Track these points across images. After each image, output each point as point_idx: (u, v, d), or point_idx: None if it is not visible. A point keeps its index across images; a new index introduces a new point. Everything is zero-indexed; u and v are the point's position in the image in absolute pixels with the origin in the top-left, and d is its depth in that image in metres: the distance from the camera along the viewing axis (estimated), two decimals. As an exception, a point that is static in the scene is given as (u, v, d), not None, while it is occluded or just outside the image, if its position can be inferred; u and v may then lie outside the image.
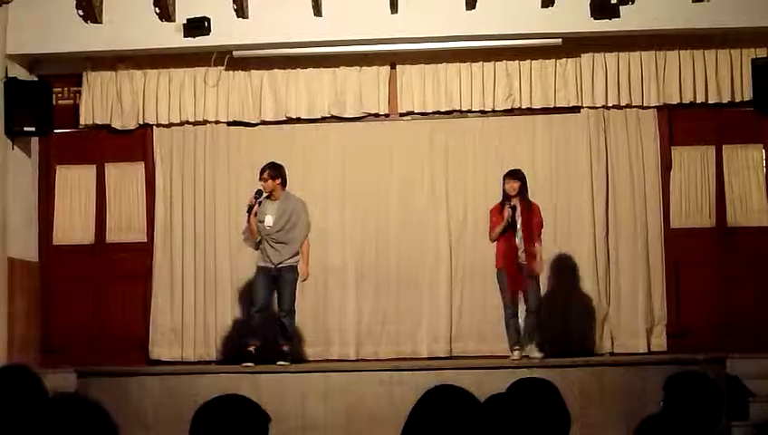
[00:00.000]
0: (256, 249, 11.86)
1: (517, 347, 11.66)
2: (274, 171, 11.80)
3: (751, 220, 13.27)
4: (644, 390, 9.95)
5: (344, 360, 12.98)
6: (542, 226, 11.76)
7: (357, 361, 12.91)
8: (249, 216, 11.76)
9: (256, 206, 11.72)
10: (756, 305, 12.81)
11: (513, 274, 11.62)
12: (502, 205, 11.68)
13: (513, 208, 11.55)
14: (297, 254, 11.84)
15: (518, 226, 11.58)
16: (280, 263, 11.73)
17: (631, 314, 13.11)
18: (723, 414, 4.54)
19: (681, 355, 11.61)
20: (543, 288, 12.20)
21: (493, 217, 11.73)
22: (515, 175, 11.76)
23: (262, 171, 11.81)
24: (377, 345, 13.19)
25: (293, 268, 11.79)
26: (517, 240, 11.61)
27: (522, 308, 11.70)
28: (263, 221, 11.74)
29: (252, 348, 11.65)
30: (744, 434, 10.05)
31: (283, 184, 11.87)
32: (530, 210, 11.65)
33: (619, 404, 10.24)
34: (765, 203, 13.24)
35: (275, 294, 11.83)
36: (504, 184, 11.73)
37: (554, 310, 12.88)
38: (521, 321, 11.68)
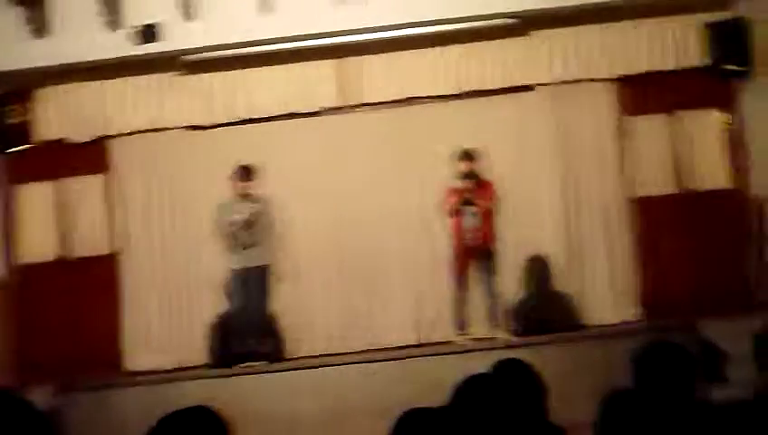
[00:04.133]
0: (240, 249, 11.89)
1: (460, 332, 11.82)
2: (246, 172, 11.96)
3: (713, 183, 13.34)
4: (618, 361, 10.00)
5: (322, 355, 12.97)
6: (491, 198, 11.86)
7: (333, 355, 12.91)
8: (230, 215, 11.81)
9: None
10: (724, 267, 12.88)
11: (460, 256, 11.79)
12: (456, 186, 11.82)
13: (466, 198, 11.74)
14: (268, 253, 11.90)
15: (470, 208, 11.73)
16: (253, 263, 11.77)
17: (602, 287, 13.17)
18: (694, 380, 4.50)
19: (652, 323, 11.70)
20: (510, 268, 12.26)
21: (448, 198, 11.89)
22: (469, 154, 11.88)
23: (246, 172, 11.85)
24: (351, 339, 13.17)
25: (267, 267, 11.84)
26: (468, 222, 11.75)
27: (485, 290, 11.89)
28: (234, 222, 11.78)
29: (250, 348, 11.71)
30: (725, 396, 10.11)
31: (253, 185, 11.97)
32: (484, 188, 11.80)
33: (595, 377, 10.29)
34: (726, 165, 13.32)
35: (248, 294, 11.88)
36: (461, 164, 11.86)
37: (528, 289, 12.96)
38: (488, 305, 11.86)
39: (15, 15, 12.56)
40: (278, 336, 12.88)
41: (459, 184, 11.88)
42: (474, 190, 11.80)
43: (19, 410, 3.99)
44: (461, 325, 11.90)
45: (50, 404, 10.50)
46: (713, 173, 13.37)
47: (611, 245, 13.25)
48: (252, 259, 11.81)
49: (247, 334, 11.85)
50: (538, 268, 13.11)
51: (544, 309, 12.97)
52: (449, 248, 12.23)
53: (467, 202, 11.77)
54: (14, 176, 13.76)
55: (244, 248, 11.80)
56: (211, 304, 13.15)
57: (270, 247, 12.00)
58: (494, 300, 11.88)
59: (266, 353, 11.80)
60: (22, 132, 13.55)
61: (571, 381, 10.02)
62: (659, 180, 13.41)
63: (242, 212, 11.83)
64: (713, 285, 12.79)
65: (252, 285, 11.82)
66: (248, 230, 11.82)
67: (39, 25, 12.48)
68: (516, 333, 12.09)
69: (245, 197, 11.93)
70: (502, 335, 11.76)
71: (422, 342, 13.07)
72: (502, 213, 12.25)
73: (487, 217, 11.85)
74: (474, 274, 12.06)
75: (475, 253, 11.87)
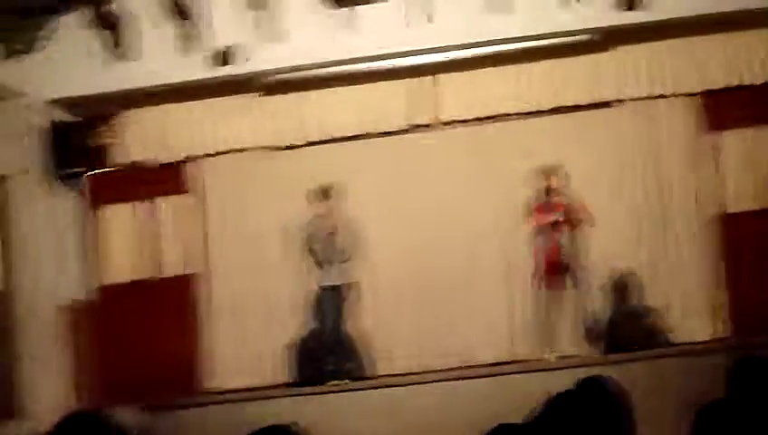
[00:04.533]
0: (320, 268, 11.92)
1: (548, 348, 11.75)
2: (326, 192, 11.93)
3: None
4: (707, 377, 9.88)
5: (406, 374, 12.96)
6: (585, 214, 11.80)
7: (418, 373, 12.89)
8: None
9: None
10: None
11: (550, 272, 11.71)
12: (545, 202, 11.75)
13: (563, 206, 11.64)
14: (350, 271, 11.94)
15: (564, 223, 11.65)
16: (336, 281, 11.82)
17: (687, 303, 13.02)
18: None
19: (740, 340, 11.54)
20: (594, 285, 12.17)
21: (537, 213, 11.82)
22: (554, 172, 11.81)
23: (324, 193, 11.93)
24: (436, 356, 13.13)
25: (349, 286, 11.91)
26: (559, 238, 11.68)
27: (572, 308, 11.80)
28: (319, 239, 11.85)
29: (331, 367, 11.73)
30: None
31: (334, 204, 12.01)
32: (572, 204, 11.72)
33: (684, 395, 10.17)
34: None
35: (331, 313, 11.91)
36: (546, 181, 11.79)
37: (614, 306, 12.85)
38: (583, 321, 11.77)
39: (99, 40, 12.71)
40: (360, 355, 12.88)
41: (547, 200, 11.77)
42: (566, 207, 11.72)
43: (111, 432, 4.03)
44: (548, 342, 11.81)
45: (137, 424, 10.59)
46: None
47: (698, 261, 13.09)
48: (335, 277, 11.85)
49: (330, 353, 11.87)
50: (624, 285, 12.99)
51: (631, 326, 12.85)
52: (535, 264, 12.14)
53: (564, 218, 11.69)
54: (97, 197, 13.94)
55: (329, 266, 11.83)
56: (289, 325, 13.20)
57: (352, 266, 12.01)
58: (581, 317, 11.77)
59: (348, 372, 11.81)
60: (105, 154, 13.73)
61: (657, 398, 9.91)
62: (747, 195, 13.22)
63: (326, 230, 11.87)
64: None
65: (335, 304, 11.86)
66: (332, 248, 11.84)
67: (121, 49, 12.62)
68: (603, 350, 11.98)
69: (326, 216, 11.94)
70: (589, 352, 11.67)
71: (507, 359, 13.01)
72: (586, 229, 12.12)
73: (577, 233, 11.77)
74: (561, 290, 11.96)
75: (565, 269, 11.77)
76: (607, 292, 12.95)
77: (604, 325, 12.72)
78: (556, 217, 11.72)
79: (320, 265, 11.92)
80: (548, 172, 11.85)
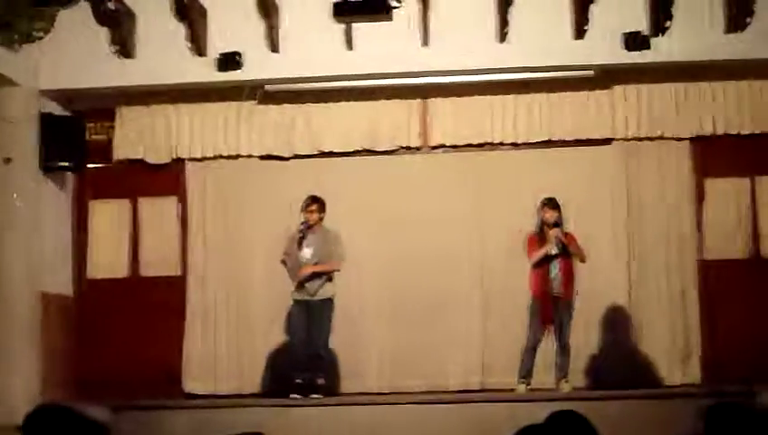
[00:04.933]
0: (295, 281, 11.90)
1: (523, 380, 11.73)
2: (321, 204, 11.89)
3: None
4: (678, 421, 9.88)
5: (376, 393, 12.96)
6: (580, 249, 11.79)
7: (389, 394, 12.89)
8: (298, 246, 11.80)
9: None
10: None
11: (547, 304, 11.68)
12: (538, 234, 11.73)
13: (559, 239, 11.63)
14: (331, 287, 11.91)
15: (557, 256, 11.63)
16: (319, 296, 11.79)
17: (665, 346, 13.04)
18: None
19: (714, 387, 11.56)
20: (576, 320, 12.14)
21: (530, 245, 11.78)
22: (554, 204, 11.80)
23: (310, 203, 11.87)
24: (408, 378, 13.13)
25: (330, 300, 11.85)
26: (553, 271, 11.67)
27: (551, 342, 11.75)
28: (300, 253, 11.81)
29: (299, 380, 11.70)
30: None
31: (322, 218, 11.96)
32: (566, 237, 11.71)
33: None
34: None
35: (309, 327, 11.87)
36: (542, 212, 11.78)
37: (588, 343, 12.87)
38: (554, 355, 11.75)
39: (103, 35, 12.71)
40: (334, 371, 12.86)
41: (541, 232, 11.76)
42: (561, 240, 11.71)
43: (81, 426, 4.02)
44: (527, 374, 11.79)
45: (104, 421, 10.53)
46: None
47: (679, 305, 13.12)
48: (315, 292, 11.82)
49: (304, 367, 11.84)
50: (611, 323, 13.02)
51: (615, 364, 12.89)
52: (518, 294, 12.12)
53: (560, 251, 11.68)
54: (91, 192, 13.93)
55: (308, 280, 11.80)
56: (272, 334, 13.19)
57: (333, 281, 11.98)
58: (563, 351, 11.75)
59: (318, 387, 11.77)
60: (101, 150, 13.74)
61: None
62: (731, 245, 13.27)
63: (309, 244, 11.85)
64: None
65: (312, 318, 11.81)
66: (314, 262, 11.82)
67: (125, 46, 12.63)
68: (583, 386, 11.97)
69: (313, 228, 11.93)
70: (564, 387, 11.66)
71: (478, 387, 13.03)
72: (576, 264, 12.07)
73: (571, 267, 11.76)
74: (549, 323, 11.89)
75: (556, 303, 11.75)
76: (593, 328, 12.97)
77: (588, 362, 12.78)
78: (548, 250, 11.70)
79: (293, 278, 11.89)
80: (548, 204, 11.81)
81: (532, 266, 11.78)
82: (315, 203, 11.92)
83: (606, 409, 10.16)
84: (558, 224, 11.73)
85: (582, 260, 11.82)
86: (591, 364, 12.92)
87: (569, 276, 11.75)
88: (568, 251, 11.73)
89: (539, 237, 11.81)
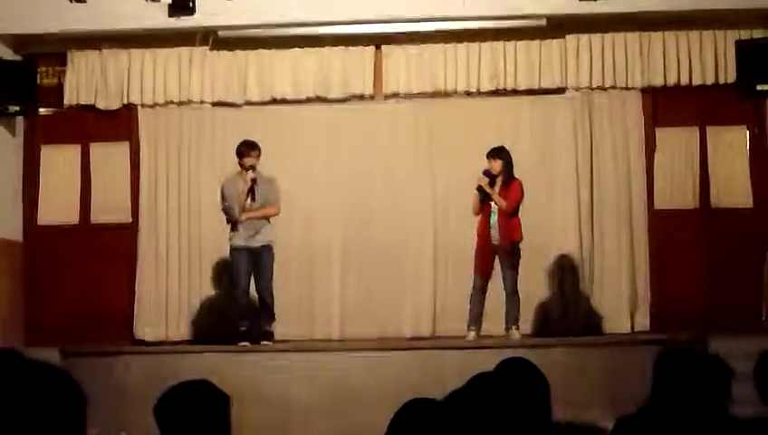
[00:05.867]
0: (233, 229, 11.85)
1: (473, 328, 11.79)
2: (259, 150, 11.81)
3: (734, 201, 13.30)
4: (627, 369, 10.01)
5: (328, 340, 13.00)
6: (518, 200, 11.78)
7: (341, 341, 12.94)
8: (248, 196, 11.73)
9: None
10: (738, 285, 12.83)
11: (484, 253, 11.73)
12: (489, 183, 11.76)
13: (489, 176, 11.63)
14: (270, 232, 11.86)
15: (493, 203, 11.65)
16: (259, 242, 11.74)
17: (615, 295, 13.14)
18: (728, 393, 4.46)
19: (664, 335, 11.67)
20: (527, 269, 12.19)
21: (475, 198, 11.82)
22: (498, 153, 11.80)
23: (251, 148, 11.79)
24: (361, 325, 13.18)
25: (271, 247, 11.81)
26: (491, 219, 11.70)
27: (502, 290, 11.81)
28: (237, 197, 11.72)
29: (243, 328, 11.69)
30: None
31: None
32: (508, 187, 11.70)
33: (603, 384, 10.32)
34: (748, 184, 13.28)
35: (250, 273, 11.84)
36: (488, 163, 11.78)
37: (537, 291, 12.95)
38: (503, 302, 11.79)
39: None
40: (285, 317, 12.80)
41: (487, 183, 11.78)
42: (500, 188, 11.70)
43: (29, 370, 4.01)
44: (476, 321, 11.85)
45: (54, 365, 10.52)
46: (735, 191, 13.32)
47: (629, 254, 13.21)
48: (253, 238, 11.75)
49: (243, 314, 11.81)
50: (559, 270, 13.10)
51: (563, 311, 12.98)
52: (471, 243, 12.15)
53: (485, 199, 11.71)
54: (41, 137, 13.81)
55: (250, 226, 11.72)
56: (222, 281, 13.17)
57: (272, 227, 11.95)
58: (511, 298, 11.80)
59: (264, 334, 11.76)
60: (52, 94, 13.62)
61: (576, 385, 10.03)
62: (681, 194, 13.38)
63: (244, 188, 11.75)
64: (726, 303, 12.75)
65: (257, 265, 11.77)
66: (250, 206, 11.72)
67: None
68: (533, 334, 12.05)
69: (249, 173, 11.82)
70: (514, 334, 11.73)
71: (434, 334, 13.08)
72: (525, 213, 12.11)
73: (507, 215, 11.74)
74: (489, 272, 11.95)
75: (498, 250, 11.78)
76: (545, 276, 13.06)
77: (537, 309, 12.86)
78: (479, 195, 11.73)
79: (233, 225, 11.81)
80: (490, 153, 11.82)
81: (475, 215, 11.85)
82: (257, 149, 11.83)
83: (555, 356, 10.29)
84: (505, 173, 11.72)
85: (501, 207, 11.73)
86: (542, 312, 13.00)
87: (507, 224, 11.75)
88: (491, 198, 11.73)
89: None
